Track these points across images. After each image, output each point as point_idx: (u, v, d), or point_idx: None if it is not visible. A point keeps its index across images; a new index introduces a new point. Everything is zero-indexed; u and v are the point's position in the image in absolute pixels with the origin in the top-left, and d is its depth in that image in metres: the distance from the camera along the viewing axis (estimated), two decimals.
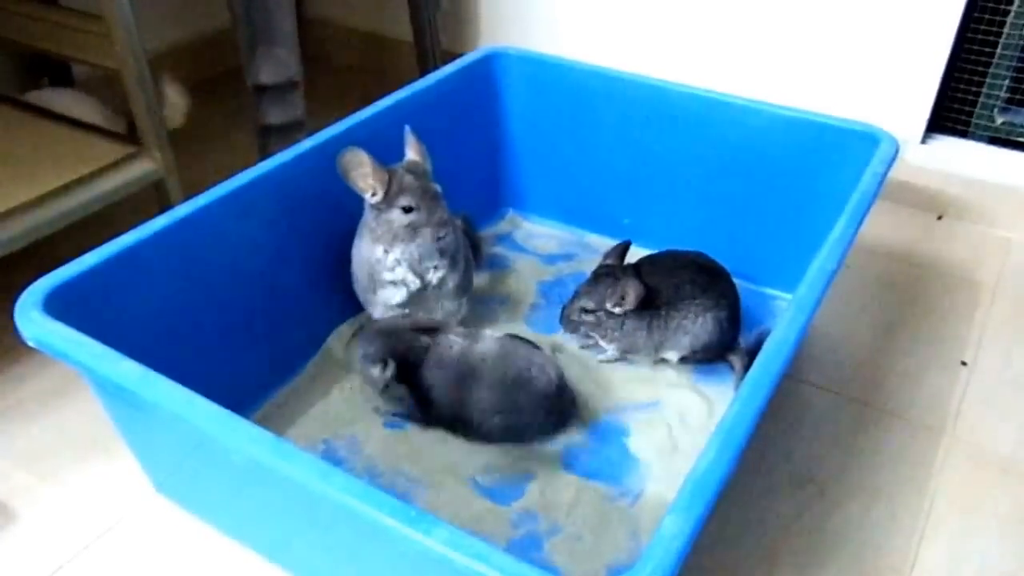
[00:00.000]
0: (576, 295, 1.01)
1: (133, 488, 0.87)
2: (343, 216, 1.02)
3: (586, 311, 0.99)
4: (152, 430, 0.77)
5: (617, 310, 0.97)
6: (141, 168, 1.14)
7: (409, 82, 1.12)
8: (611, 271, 1.00)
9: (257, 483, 0.68)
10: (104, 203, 1.10)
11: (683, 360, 1.00)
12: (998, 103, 1.26)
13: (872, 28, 1.26)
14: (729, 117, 1.09)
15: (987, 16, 1.22)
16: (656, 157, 1.16)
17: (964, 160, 1.29)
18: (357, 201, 0.95)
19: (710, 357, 1.00)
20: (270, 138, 1.33)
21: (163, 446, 0.79)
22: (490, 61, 1.21)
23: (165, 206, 1.19)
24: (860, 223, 0.85)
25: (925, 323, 1.11)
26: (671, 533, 0.52)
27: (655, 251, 1.05)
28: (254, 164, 0.93)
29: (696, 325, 0.97)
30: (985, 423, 0.97)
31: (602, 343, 1.01)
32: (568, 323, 1.01)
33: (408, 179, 0.91)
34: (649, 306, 0.97)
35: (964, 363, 1.05)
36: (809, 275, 0.77)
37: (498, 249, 1.24)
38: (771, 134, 1.06)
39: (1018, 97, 1.26)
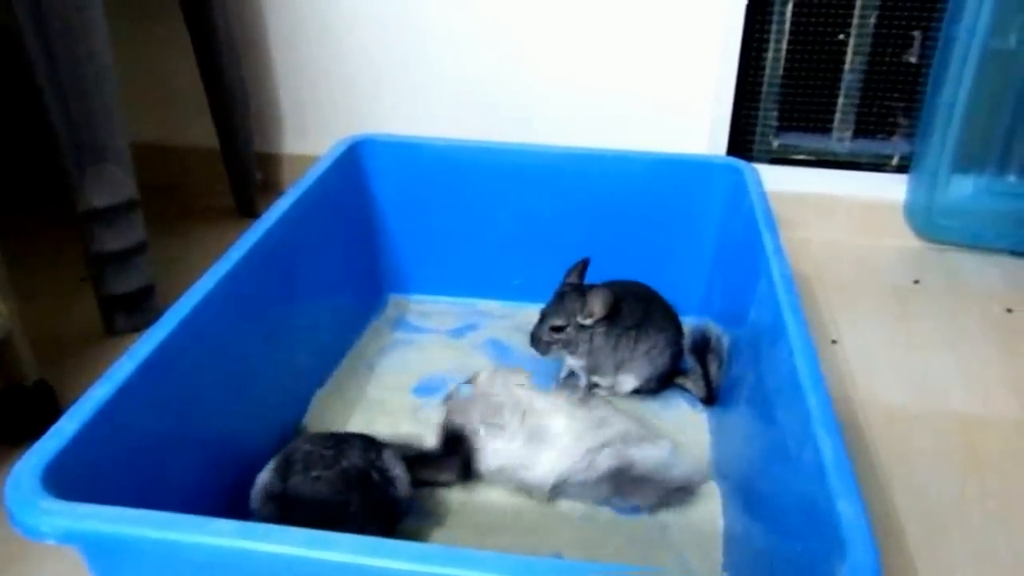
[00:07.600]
0: (544, 316, 1.01)
1: None
2: (289, 326, 0.96)
3: (556, 329, 1.00)
4: None
5: (588, 321, 0.99)
6: None
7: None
8: (575, 287, 1.02)
9: None
10: None
11: (636, 392, 1.05)
12: (772, 130, 1.52)
13: (681, 78, 1.46)
14: (597, 169, 1.18)
15: (752, 63, 1.47)
16: (536, 216, 1.22)
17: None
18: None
19: (658, 388, 1.07)
20: (106, 267, 1.18)
21: None
22: (355, 151, 1.19)
23: (13, 362, 1.00)
24: (777, 235, 0.97)
25: None
26: (853, 515, 0.57)
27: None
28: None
29: (661, 356, 1.03)
30: (873, 384, 1.14)
31: (571, 360, 1.03)
32: (540, 344, 1.01)
33: None
34: (618, 325, 1.01)
35: (834, 341, 1.23)
36: (776, 281, 0.86)
37: (399, 334, 1.21)
38: (642, 178, 1.18)
39: (785, 124, 1.53)
